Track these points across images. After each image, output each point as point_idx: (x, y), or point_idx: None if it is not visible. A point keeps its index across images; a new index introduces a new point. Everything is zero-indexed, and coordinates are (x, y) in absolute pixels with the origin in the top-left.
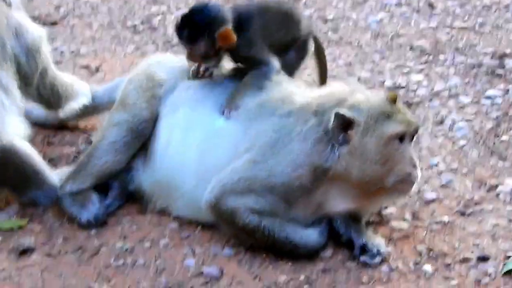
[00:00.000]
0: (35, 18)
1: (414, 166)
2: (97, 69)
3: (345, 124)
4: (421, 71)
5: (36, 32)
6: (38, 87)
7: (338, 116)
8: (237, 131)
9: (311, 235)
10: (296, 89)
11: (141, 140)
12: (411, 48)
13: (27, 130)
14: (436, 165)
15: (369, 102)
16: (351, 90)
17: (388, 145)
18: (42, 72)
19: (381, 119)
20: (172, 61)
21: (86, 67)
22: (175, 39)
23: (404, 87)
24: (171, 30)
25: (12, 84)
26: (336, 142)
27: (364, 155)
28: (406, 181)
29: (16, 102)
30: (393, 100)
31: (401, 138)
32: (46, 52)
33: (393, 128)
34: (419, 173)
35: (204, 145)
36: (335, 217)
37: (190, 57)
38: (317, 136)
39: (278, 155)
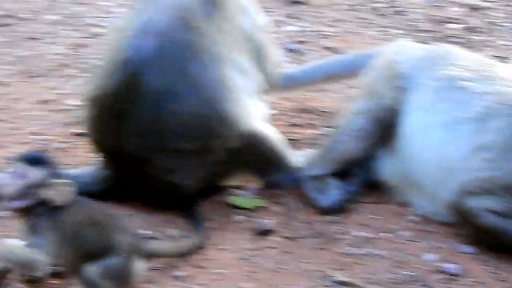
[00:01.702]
0: None
1: None
2: (340, 51)
3: None
4: None
5: (256, 10)
6: (265, 64)
7: None
8: (474, 128)
9: None
10: None
11: (385, 129)
12: None
13: (268, 110)
14: None
15: None
16: None
17: None
18: (268, 50)
19: None
20: (417, 49)
21: (329, 48)
22: (421, 24)
23: None
24: (417, 15)
25: (249, 64)
26: None
27: None
28: None
29: (254, 83)
30: None
31: None
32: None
33: None
34: None
35: (444, 143)
36: None
37: None
38: None
39: None
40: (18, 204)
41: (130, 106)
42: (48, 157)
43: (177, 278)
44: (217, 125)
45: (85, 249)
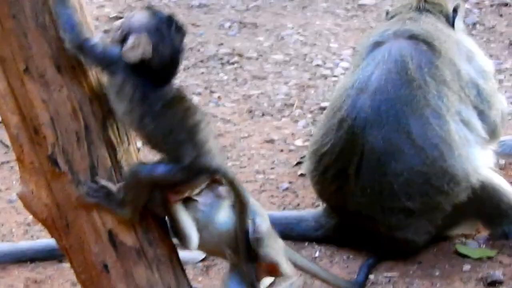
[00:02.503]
0: None
1: None
2: None
3: None
4: None
5: (481, 55)
6: (489, 114)
7: None
8: None
9: None
10: None
11: None
12: None
13: (494, 160)
14: None
15: None
16: None
17: None
18: (493, 99)
19: None
20: None
21: None
22: None
23: None
24: None
25: (472, 114)
26: None
27: None
28: None
29: (479, 133)
30: None
31: None
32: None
33: None
34: None
35: None
36: None
37: None
38: None
39: None
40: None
41: (352, 165)
42: None
43: None
44: (442, 183)
45: None
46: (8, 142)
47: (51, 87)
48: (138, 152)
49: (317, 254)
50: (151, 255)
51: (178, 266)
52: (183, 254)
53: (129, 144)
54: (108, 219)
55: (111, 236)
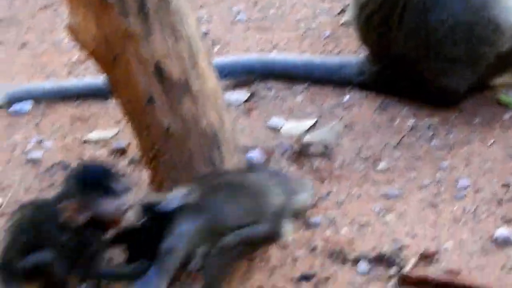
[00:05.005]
0: None
1: None
2: None
3: None
4: None
5: None
6: None
7: None
8: None
9: None
10: None
11: None
12: None
13: None
14: None
15: None
16: None
17: None
18: None
19: None
20: None
21: None
22: None
23: None
24: None
25: None
26: None
27: None
28: None
29: None
30: None
31: None
32: None
33: None
34: None
35: None
36: None
37: None
38: None
39: None
40: None
41: (396, 14)
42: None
43: (443, 169)
44: (485, 32)
45: None
46: None
47: None
48: None
49: (358, 97)
50: (197, 89)
51: (222, 105)
52: (226, 95)
53: None
54: (157, 49)
55: (158, 69)
